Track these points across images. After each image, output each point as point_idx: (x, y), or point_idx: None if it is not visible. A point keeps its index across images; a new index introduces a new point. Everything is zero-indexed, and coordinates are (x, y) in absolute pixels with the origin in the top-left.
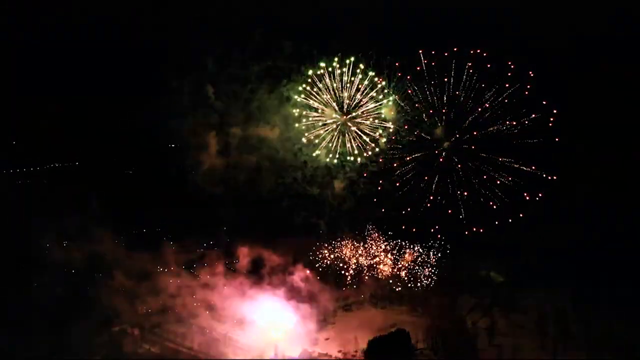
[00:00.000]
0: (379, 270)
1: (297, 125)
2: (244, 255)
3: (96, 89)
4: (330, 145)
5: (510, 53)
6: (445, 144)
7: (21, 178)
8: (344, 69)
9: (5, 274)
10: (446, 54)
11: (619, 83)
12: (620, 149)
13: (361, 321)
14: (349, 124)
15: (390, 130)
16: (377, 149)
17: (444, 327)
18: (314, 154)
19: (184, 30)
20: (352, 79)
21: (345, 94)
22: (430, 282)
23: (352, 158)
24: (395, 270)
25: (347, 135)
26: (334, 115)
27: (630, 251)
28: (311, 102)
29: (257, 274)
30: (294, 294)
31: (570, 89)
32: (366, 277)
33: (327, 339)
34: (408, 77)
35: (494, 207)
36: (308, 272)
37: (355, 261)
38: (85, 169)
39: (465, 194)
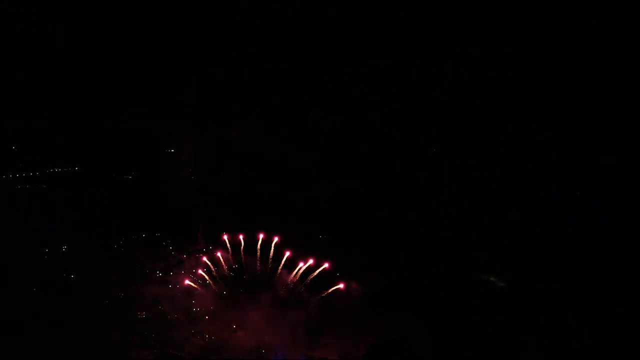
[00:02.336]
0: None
1: None
2: (242, 261)
3: (93, 94)
4: None
5: None
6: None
7: (20, 183)
8: None
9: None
10: None
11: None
12: (620, 149)
13: (361, 326)
14: None
15: None
16: None
17: (445, 331)
18: None
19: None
20: None
21: None
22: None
23: None
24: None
25: None
26: None
27: (632, 253)
28: None
29: (255, 280)
30: (290, 298)
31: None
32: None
33: (326, 343)
34: None
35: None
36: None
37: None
38: (84, 174)
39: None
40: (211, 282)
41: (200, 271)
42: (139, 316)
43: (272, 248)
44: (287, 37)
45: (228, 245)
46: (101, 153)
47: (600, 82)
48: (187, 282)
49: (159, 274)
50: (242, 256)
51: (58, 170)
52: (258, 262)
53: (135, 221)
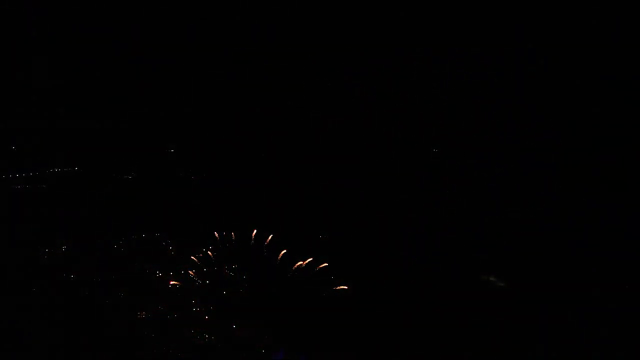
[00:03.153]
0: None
1: None
2: (242, 260)
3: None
4: None
5: None
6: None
7: (20, 183)
8: None
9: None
10: None
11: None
12: (620, 149)
13: (361, 326)
14: None
15: None
16: None
17: (445, 331)
18: None
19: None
20: None
21: None
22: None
23: None
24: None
25: None
26: None
27: (632, 253)
28: None
29: (254, 279)
30: (291, 297)
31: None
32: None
33: (326, 342)
34: None
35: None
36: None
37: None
38: (84, 174)
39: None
40: (210, 282)
41: (199, 271)
42: (139, 316)
43: (265, 248)
44: (287, 37)
45: (227, 244)
46: (101, 153)
47: (600, 82)
48: (184, 282)
49: (158, 274)
50: (241, 255)
51: (58, 170)
52: (258, 261)
53: (135, 221)
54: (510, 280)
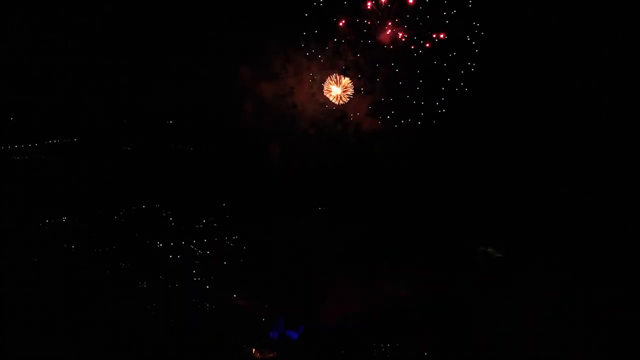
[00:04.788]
0: None
1: None
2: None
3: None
4: None
5: None
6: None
7: (19, 154)
8: None
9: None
10: None
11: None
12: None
13: (356, 296)
14: None
15: None
16: None
17: (439, 302)
18: None
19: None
20: None
21: None
22: None
23: None
24: None
25: None
26: None
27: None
28: None
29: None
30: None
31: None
32: None
33: (325, 310)
34: None
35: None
36: None
37: None
38: (83, 145)
39: None
40: (211, 252)
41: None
42: (140, 286)
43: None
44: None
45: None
46: (99, 121)
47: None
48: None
49: (159, 244)
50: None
51: (57, 141)
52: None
53: (134, 193)
54: (507, 253)
